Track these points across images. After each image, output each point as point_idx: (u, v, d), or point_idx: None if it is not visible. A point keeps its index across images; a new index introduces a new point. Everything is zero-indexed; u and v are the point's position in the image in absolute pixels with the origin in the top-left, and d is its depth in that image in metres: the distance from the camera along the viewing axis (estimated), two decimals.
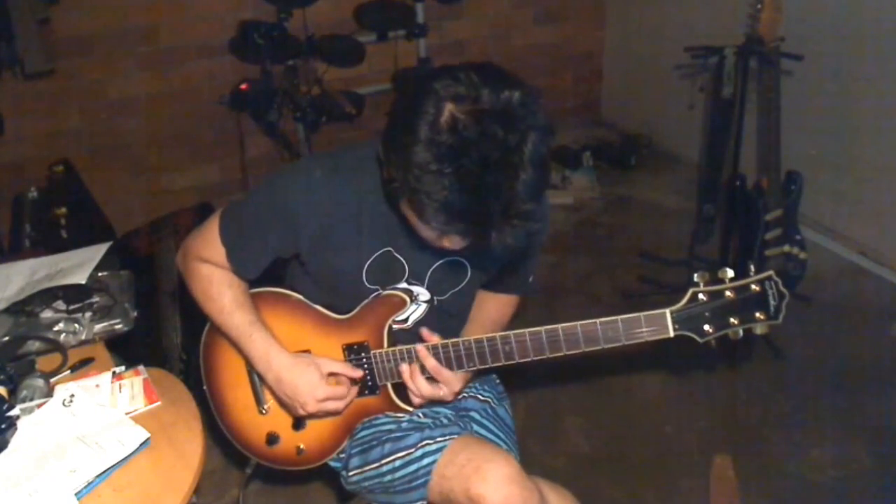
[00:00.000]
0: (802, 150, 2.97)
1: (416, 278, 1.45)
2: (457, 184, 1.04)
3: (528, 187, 1.06)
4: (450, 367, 1.42)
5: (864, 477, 2.24)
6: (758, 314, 1.31)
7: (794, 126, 2.78)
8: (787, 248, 2.66)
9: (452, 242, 1.14)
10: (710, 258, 3.01)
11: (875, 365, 2.65)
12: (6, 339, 1.57)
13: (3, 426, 1.26)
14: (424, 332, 1.45)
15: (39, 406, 1.34)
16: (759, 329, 1.33)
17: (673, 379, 2.63)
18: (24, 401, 1.35)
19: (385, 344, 1.47)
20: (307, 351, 1.47)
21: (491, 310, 1.61)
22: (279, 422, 1.55)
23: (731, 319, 1.31)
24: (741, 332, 1.33)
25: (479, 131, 1.03)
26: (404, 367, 1.44)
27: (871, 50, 2.99)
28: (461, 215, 1.07)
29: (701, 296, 1.31)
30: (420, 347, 1.42)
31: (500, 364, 1.40)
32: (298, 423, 1.54)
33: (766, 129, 2.58)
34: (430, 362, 1.42)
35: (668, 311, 1.31)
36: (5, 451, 1.24)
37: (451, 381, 1.44)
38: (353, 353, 1.48)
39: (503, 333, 1.38)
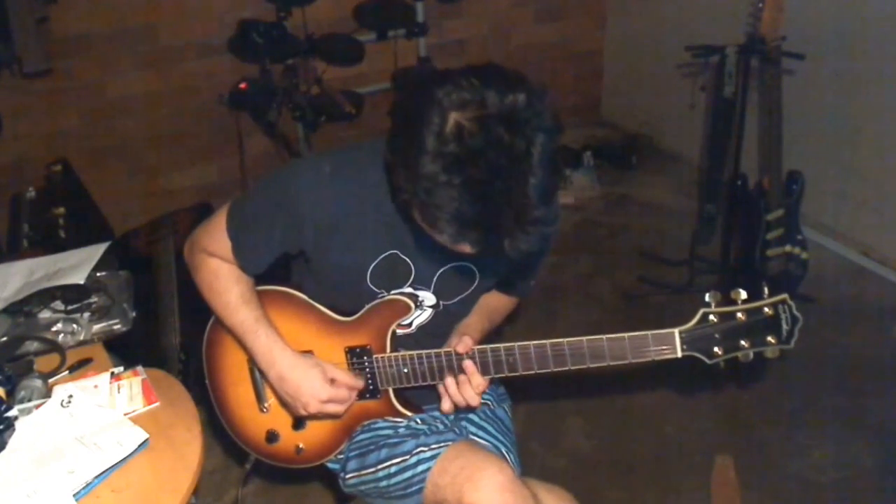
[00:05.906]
0: (804, 150, 2.96)
1: (422, 283, 1.43)
2: (466, 194, 1.02)
3: (538, 191, 1.04)
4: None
5: (865, 478, 2.24)
6: (769, 338, 1.28)
7: (795, 125, 2.77)
8: (788, 248, 2.66)
9: (466, 249, 1.12)
10: (712, 258, 3.00)
11: (877, 365, 2.65)
12: (4, 339, 1.57)
13: (1, 427, 1.25)
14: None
15: (38, 407, 1.33)
16: (769, 353, 1.30)
17: (674, 380, 2.62)
18: (22, 401, 1.35)
19: (388, 349, 1.46)
20: (309, 352, 1.46)
21: (491, 299, 1.60)
22: (279, 420, 1.54)
23: (742, 342, 1.29)
24: (751, 356, 1.30)
25: (484, 138, 1.01)
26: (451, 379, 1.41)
27: (874, 49, 2.99)
28: (473, 225, 1.05)
29: (711, 317, 1.29)
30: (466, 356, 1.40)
31: (502, 375, 1.40)
32: (298, 422, 1.54)
33: (768, 128, 2.57)
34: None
35: (677, 331, 1.29)
36: (3, 452, 1.23)
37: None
38: (356, 356, 1.47)
39: (507, 345, 1.37)
